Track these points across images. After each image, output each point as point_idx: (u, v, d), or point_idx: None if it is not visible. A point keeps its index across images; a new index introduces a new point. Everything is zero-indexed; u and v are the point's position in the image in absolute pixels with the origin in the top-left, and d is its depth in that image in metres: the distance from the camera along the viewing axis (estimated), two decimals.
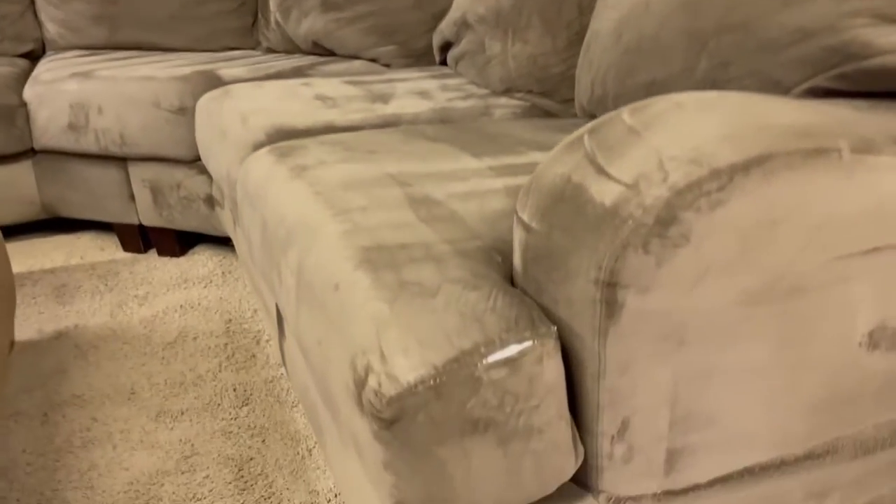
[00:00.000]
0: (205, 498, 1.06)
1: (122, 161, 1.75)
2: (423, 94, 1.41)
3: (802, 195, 0.59)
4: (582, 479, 0.66)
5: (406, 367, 0.57)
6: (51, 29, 2.11)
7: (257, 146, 1.17)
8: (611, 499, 0.66)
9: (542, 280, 0.62)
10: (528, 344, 0.57)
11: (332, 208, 0.82)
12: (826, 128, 0.60)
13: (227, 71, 1.76)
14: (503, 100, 1.39)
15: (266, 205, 0.94)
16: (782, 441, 0.70)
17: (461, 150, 1.03)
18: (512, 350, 0.57)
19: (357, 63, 1.87)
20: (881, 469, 0.78)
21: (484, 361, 0.56)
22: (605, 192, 0.58)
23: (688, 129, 0.59)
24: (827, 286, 0.63)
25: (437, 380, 0.56)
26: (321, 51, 1.97)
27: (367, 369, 0.59)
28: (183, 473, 1.11)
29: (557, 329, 0.60)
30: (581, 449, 0.63)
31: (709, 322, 0.61)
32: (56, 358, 1.43)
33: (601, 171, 0.59)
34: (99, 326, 1.54)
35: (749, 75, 0.90)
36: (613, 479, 0.64)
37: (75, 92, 1.70)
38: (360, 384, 0.59)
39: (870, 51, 0.75)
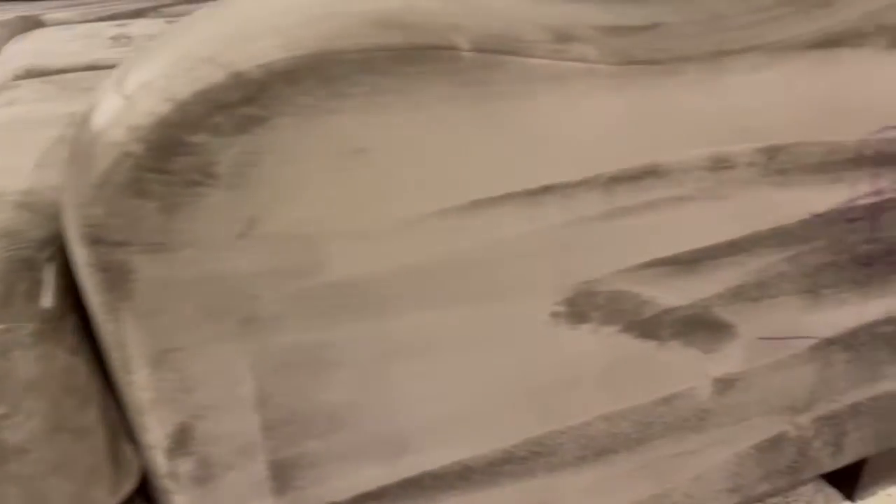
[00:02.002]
0: None
1: None
2: None
3: (397, 112, 0.42)
4: None
5: None
6: None
7: None
8: None
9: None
10: None
11: None
12: (443, 11, 0.43)
13: (54, 14, 1.58)
14: None
15: None
16: (455, 440, 0.54)
17: None
18: None
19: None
20: (622, 475, 0.62)
21: None
22: (102, 112, 0.40)
23: (232, 14, 0.41)
24: (449, 239, 0.47)
25: None
26: None
27: None
28: None
29: (71, 305, 0.43)
30: (132, 466, 0.47)
31: (288, 290, 0.44)
32: None
33: (116, 84, 0.42)
34: None
35: None
36: (191, 503, 0.48)
37: None
38: None
39: None
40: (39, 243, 0.49)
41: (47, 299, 0.43)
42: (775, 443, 0.69)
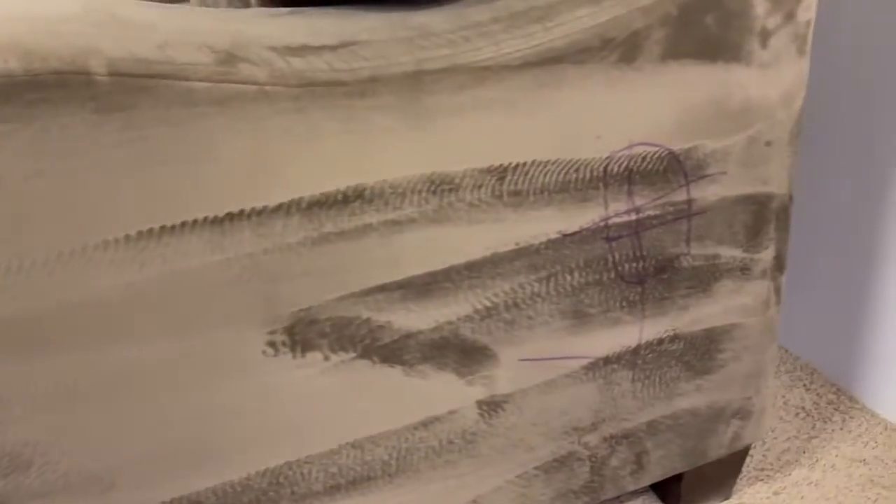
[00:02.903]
0: None
1: None
2: None
3: (23, 141, 0.40)
4: None
5: None
6: None
7: None
8: None
9: None
10: None
11: None
12: (78, 34, 0.40)
13: None
14: None
15: None
16: (174, 475, 0.52)
17: None
18: None
19: None
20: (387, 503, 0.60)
21: None
22: None
23: None
24: (122, 272, 0.44)
25: None
26: None
27: None
28: None
29: None
30: None
31: None
32: None
33: None
34: None
35: None
36: None
37: None
38: None
39: None
40: None
41: None
42: (564, 463, 0.67)
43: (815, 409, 0.96)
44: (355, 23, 0.48)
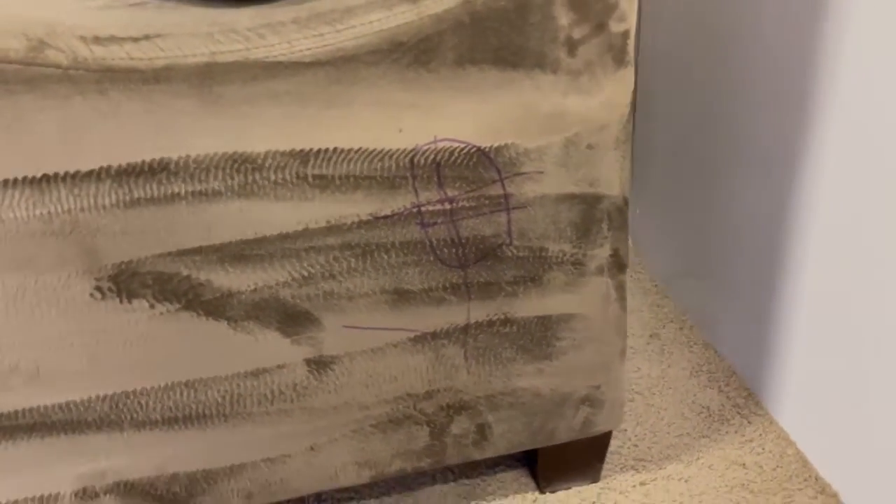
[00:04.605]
0: None
1: None
2: None
3: None
4: None
5: None
6: None
7: None
8: None
9: None
10: None
11: None
12: None
13: None
14: None
15: None
16: (18, 389, 0.62)
17: None
18: None
19: None
20: (224, 440, 0.68)
21: None
22: None
23: None
24: None
25: None
26: None
27: None
28: None
29: None
30: None
31: None
32: None
33: None
34: None
35: None
36: None
37: None
38: None
39: None
40: None
41: None
42: (401, 425, 0.74)
43: (720, 410, 0.97)
44: (167, 17, 0.55)
